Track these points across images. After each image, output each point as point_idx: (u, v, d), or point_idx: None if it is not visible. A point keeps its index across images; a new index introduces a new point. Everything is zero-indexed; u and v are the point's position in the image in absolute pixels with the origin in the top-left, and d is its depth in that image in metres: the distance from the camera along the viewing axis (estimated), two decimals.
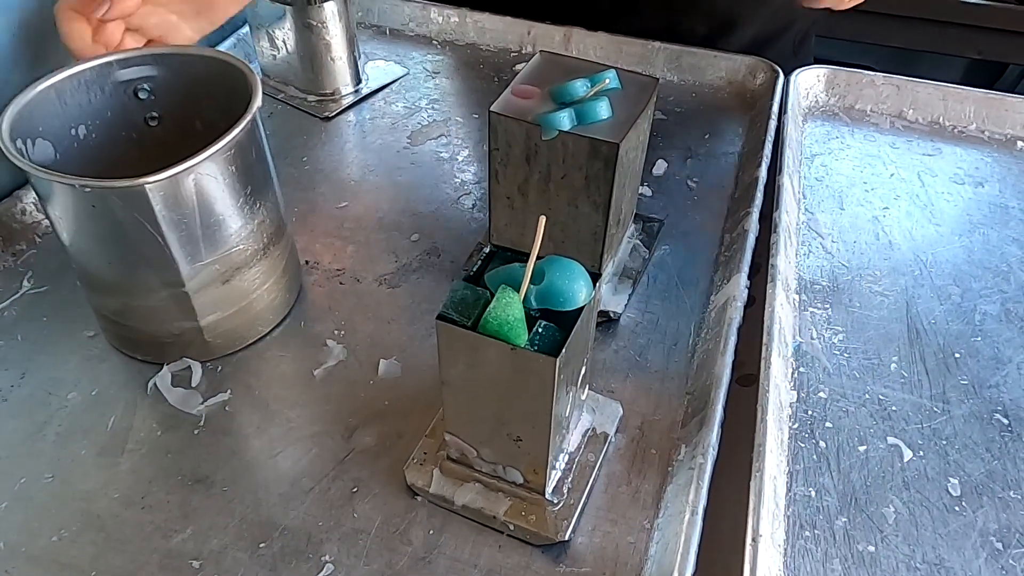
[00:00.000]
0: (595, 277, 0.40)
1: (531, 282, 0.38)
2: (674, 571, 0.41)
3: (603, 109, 0.49)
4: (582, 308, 0.39)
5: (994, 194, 0.69)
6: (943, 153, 0.73)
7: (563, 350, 0.37)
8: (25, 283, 0.60)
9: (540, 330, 0.38)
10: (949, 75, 1.86)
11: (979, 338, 0.56)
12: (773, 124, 0.70)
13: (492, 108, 0.50)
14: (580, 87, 0.50)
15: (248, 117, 0.47)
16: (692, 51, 0.80)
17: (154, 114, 0.57)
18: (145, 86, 0.55)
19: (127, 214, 0.45)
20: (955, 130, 0.75)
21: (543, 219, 0.36)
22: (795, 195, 0.67)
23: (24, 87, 0.49)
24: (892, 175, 0.70)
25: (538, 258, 0.39)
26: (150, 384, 0.53)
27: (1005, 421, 0.51)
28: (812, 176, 0.70)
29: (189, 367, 0.54)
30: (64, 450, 0.49)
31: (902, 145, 0.74)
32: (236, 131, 0.46)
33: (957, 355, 0.55)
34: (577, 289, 0.38)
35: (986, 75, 1.82)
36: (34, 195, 0.63)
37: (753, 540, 0.41)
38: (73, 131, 0.53)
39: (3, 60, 0.61)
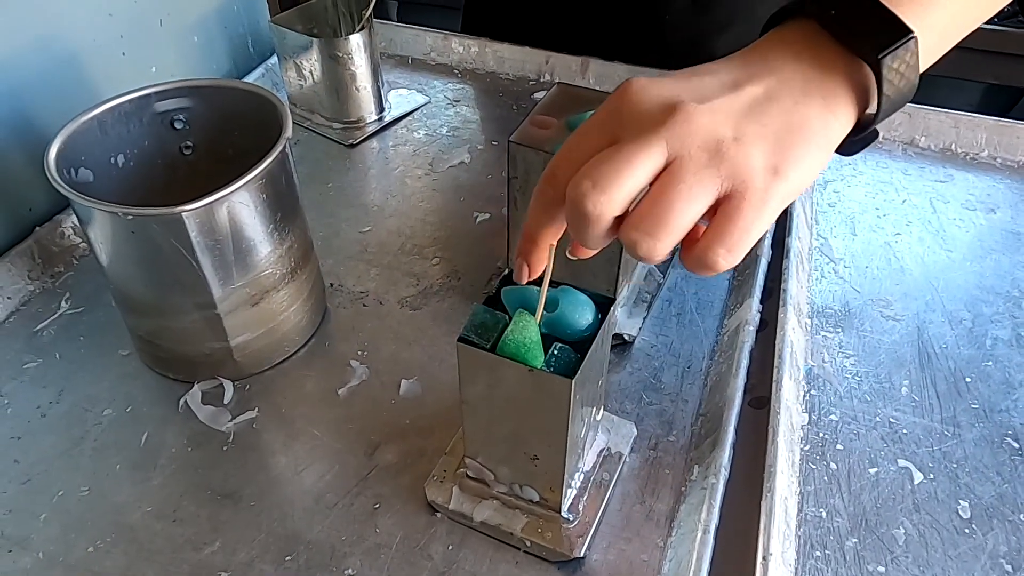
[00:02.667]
0: (609, 302, 0.42)
1: (546, 310, 0.40)
2: None
3: None
4: (597, 331, 0.40)
5: (1006, 220, 0.69)
6: (955, 180, 0.74)
7: (579, 371, 0.39)
8: (63, 304, 0.62)
9: (556, 352, 0.40)
10: (967, 100, 1.87)
11: (990, 363, 0.57)
12: None
13: (511, 138, 0.52)
14: None
15: (279, 147, 0.49)
16: None
17: (188, 143, 0.59)
18: (180, 117, 0.58)
19: (164, 239, 0.47)
20: (967, 157, 0.77)
21: (552, 246, 0.37)
22: (807, 221, 0.68)
23: (69, 119, 0.52)
24: (904, 201, 0.72)
25: (555, 284, 0.41)
26: (181, 402, 0.55)
27: (1016, 445, 0.52)
28: (824, 202, 0.71)
29: (219, 386, 0.56)
30: (99, 464, 0.51)
31: (914, 172, 0.75)
32: (268, 161, 0.48)
33: (968, 379, 0.56)
34: (584, 321, 0.41)
35: (1003, 100, 1.82)
36: (72, 220, 0.66)
37: (764, 558, 0.42)
38: (112, 159, 0.56)
39: (47, 92, 0.65)
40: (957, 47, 0.39)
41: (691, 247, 0.33)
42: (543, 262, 0.38)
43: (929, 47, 0.35)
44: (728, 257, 0.33)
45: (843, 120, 0.34)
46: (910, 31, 0.33)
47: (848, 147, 0.36)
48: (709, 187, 0.32)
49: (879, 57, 0.33)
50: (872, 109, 0.35)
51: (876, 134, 0.37)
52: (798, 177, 0.33)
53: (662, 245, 0.32)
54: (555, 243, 0.38)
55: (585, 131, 0.35)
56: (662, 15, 0.81)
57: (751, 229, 0.32)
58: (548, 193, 0.36)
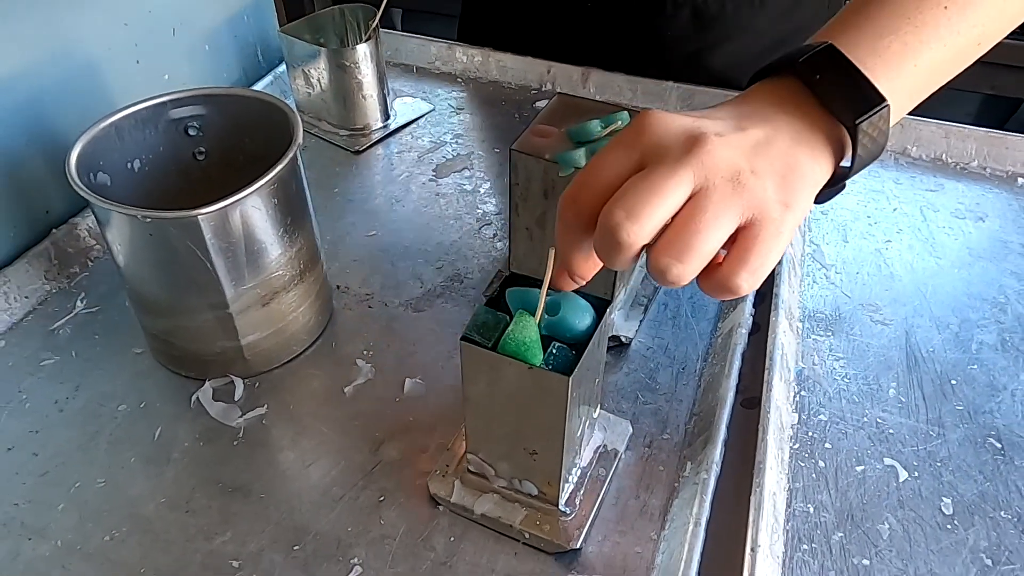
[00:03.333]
0: (605, 304, 0.44)
1: (547, 313, 0.42)
2: None
3: None
4: (592, 330, 0.42)
5: (994, 229, 0.71)
6: (945, 189, 0.76)
7: (575, 370, 0.41)
8: (79, 303, 0.64)
9: (554, 351, 0.42)
10: (964, 110, 1.89)
11: (975, 366, 0.59)
12: None
13: (513, 147, 0.54)
14: (595, 127, 0.54)
15: (290, 154, 0.52)
16: (704, 90, 0.84)
17: (202, 149, 0.61)
18: (194, 123, 0.60)
19: (180, 241, 0.49)
20: (957, 167, 0.79)
21: (552, 251, 0.39)
22: (800, 228, 0.70)
23: (87, 126, 0.54)
24: (895, 209, 0.74)
25: (555, 289, 0.43)
26: (193, 398, 0.57)
27: (998, 445, 0.53)
28: (817, 210, 0.73)
29: (229, 383, 0.58)
30: (114, 458, 0.53)
31: (905, 181, 0.77)
32: (280, 167, 0.51)
33: (954, 382, 0.58)
34: (583, 325, 0.43)
35: (1001, 110, 1.84)
36: (87, 222, 0.68)
37: (752, 550, 0.44)
38: (129, 164, 0.58)
39: (65, 99, 0.67)
40: None
41: (711, 273, 0.35)
42: (586, 278, 0.40)
43: (899, 107, 0.39)
44: (750, 280, 0.35)
45: (824, 169, 0.38)
46: (884, 100, 0.37)
47: (821, 196, 0.39)
48: (733, 215, 0.34)
49: (856, 123, 0.37)
50: (846, 162, 0.39)
51: (844, 186, 0.40)
52: (800, 212, 0.36)
53: (691, 270, 0.34)
54: (555, 248, 0.40)
55: (606, 158, 0.36)
56: (663, 32, 0.83)
57: (770, 255, 0.35)
58: (571, 218, 0.37)
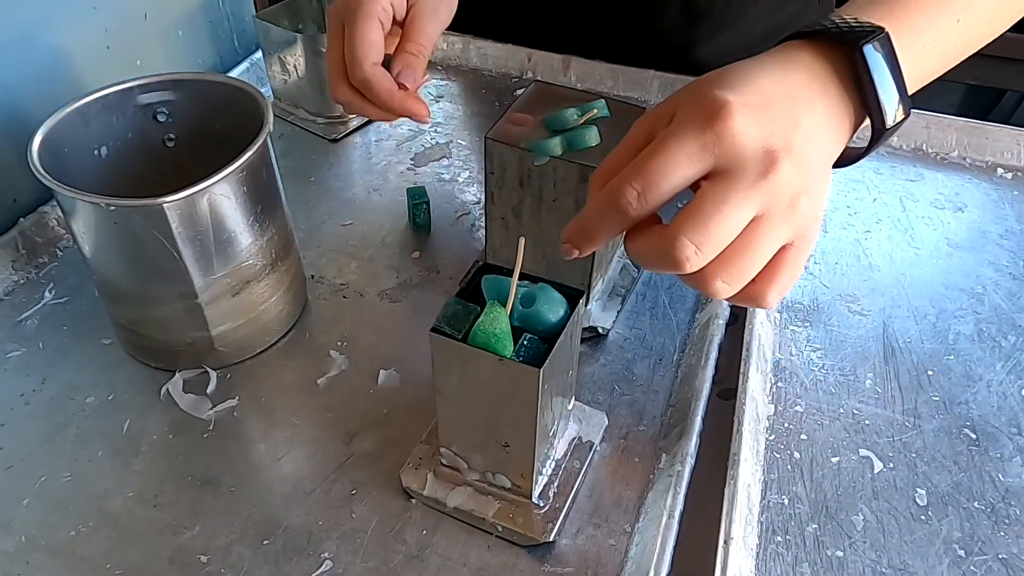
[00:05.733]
0: (579, 294, 0.43)
1: (522, 304, 0.42)
2: (651, 571, 0.44)
3: (592, 137, 0.52)
4: (566, 323, 0.42)
5: (973, 219, 0.71)
6: (925, 179, 0.76)
7: (547, 362, 0.40)
8: (47, 294, 0.63)
9: (525, 343, 0.41)
10: (948, 100, 1.89)
11: (952, 357, 0.59)
12: None
13: (488, 135, 0.53)
14: (571, 115, 0.53)
15: (260, 140, 0.51)
16: (685, 79, 0.84)
17: (171, 135, 0.60)
18: (163, 109, 0.59)
19: (146, 230, 0.48)
20: (937, 157, 0.78)
21: (523, 240, 0.39)
22: None
23: (52, 111, 0.53)
24: (875, 199, 0.73)
25: (532, 280, 0.42)
26: (163, 390, 0.56)
27: (973, 436, 0.53)
28: None
29: (200, 374, 0.57)
30: (82, 451, 0.52)
31: (885, 171, 0.77)
32: (248, 154, 0.50)
33: (930, 372, 0.58)
34: (557, 318, 0.42)
35: (984, 101, 1.85)
36: (56, 211, 0.67)
37: (725, 542, 0.44)
38: (96, 151, 0.57)
39: (32, 85, 0.65)
40: None
41: (744, 290, 0.35)
42: (598, 247, 0.38)
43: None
44: (779, 297, 0.36)
45: (839, 151, 0.38)
46: (911, 108, 0.38)
47: None
48: (783, 241, 0.35)
49: (887, 127, 0.37)
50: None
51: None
52: (823, 216, 0.37)
53: (735, 290, 0.35)
54: (525, 237, 0.40)
55: (677, 152, 0.34)
56: (653, 24, 0.82)
57: (799, 273, 0.36)
58: (624, 207, 0.35)
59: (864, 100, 0.37)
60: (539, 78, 0.88)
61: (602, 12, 0.84)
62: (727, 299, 0.36)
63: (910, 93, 0.40)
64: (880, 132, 0.37)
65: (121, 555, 0.47)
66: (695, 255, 0.33)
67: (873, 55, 0.36)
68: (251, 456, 0.53)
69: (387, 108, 0.52)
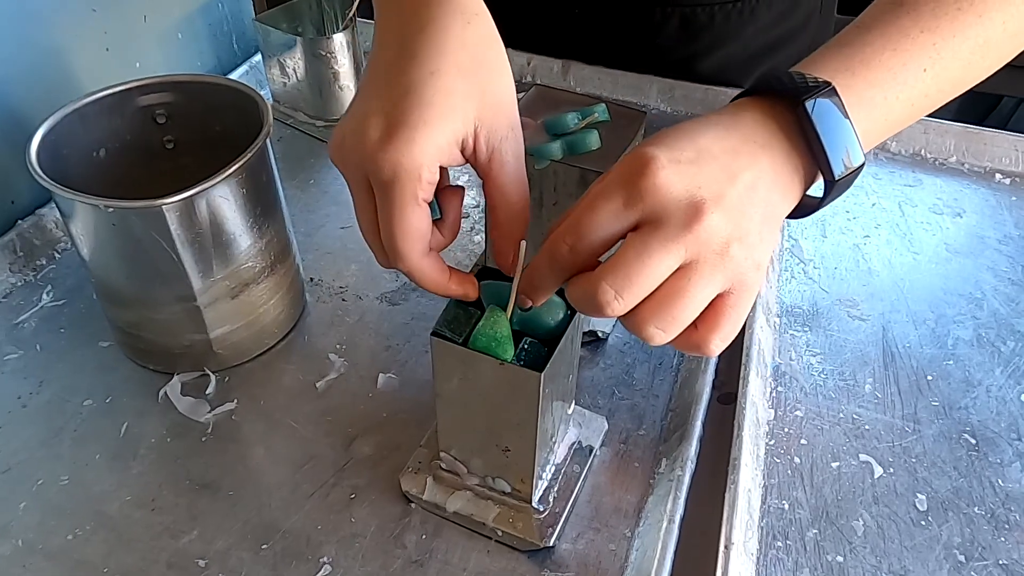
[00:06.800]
0: None
1: (520, 307, 0.41)
2: None
3: (593, 140, 0.52)
4: (567, 328, 0.42)
5: (971, 224, 0.71)
6: (923, 184, 0.76)
7: (548, 365, 0.40)
8: (44, 296, 0.63)
9: (526, 347, 0.41)
10: (946, 106, 1.90)
11: (951, 362, 0.59)
12: None
13: None
14: (571, 119, 0.53)
15: (259, 142, 0.50)
16: (683, 84, 0.84)
17: (170, 137, 0.60)
18: (162, 111, 0.58)
19: (145, 232, 0.48)
20: (936, 162, 0.79)
21: (523, 244, 0.39)
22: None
23: (51, 112, 0.53)
24: (874, 205, 0.73)
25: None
26: (161, 393, 0.56)
27: (973, 441, 0.53)
28: None
29: (198, 377, 0.57)
30: (79, 454, 0.52)
31: (884, 176, 0.77)
32: (248, 155, 0.49)
33: (929, 377, 0.58)
34: (556, 322, 0.42)
35: (981, 107, 1.85)
36: (54, 213, 0.67)
37: (726, 547, 0.44)
38: (94, 153, 0.57)
39: (31, 87, 0.65)
40: None
41: (687, 336, 0.36)
42: (548, 296, 0.40)
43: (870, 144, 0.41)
44: (723, 344, 0.36)
45: (791, 204, 0.39)
46: (864, 161, 0.38)
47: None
48: (716, 287, 0.35)
49: (837, 179, 0.37)
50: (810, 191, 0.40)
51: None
52: (766, 263, 0.37)
53: (671, 336, 0.35)
54: (526, 240, 0.39)
55: (603, 210, 0.35)
56: (652, 39, 0.82)
57: (742, 318, 0.37)
58: (561, 261, 0.36)
59: (812, 154, 0.38)
60: (539, 82, 0.88)
61: (601, 27, 0.84)
62: (677, 347, 0.37)
63: (879, 141, 0.41)
64: (831, 184, 0.38)
65: (118, 559, 0.47)
66: (615, 300, 0.34)
67: (819, 110, 0.37)
68: (250, 460, 0.52)
69: (437, 293, 0.42)
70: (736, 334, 0.37)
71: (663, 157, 0.35)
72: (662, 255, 0.34)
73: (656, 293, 0.35)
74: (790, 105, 0.37)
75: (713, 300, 0.36)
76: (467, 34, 0.39)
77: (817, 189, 0.40)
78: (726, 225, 0.35)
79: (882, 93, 0.39)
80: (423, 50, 0.38)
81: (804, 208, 0.40)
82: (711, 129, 0.37)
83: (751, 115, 0.38)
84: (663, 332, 0.35)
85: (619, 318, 0.36)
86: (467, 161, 0.40)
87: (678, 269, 0.35)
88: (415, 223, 0.38)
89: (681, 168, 0.35)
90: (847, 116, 0.37)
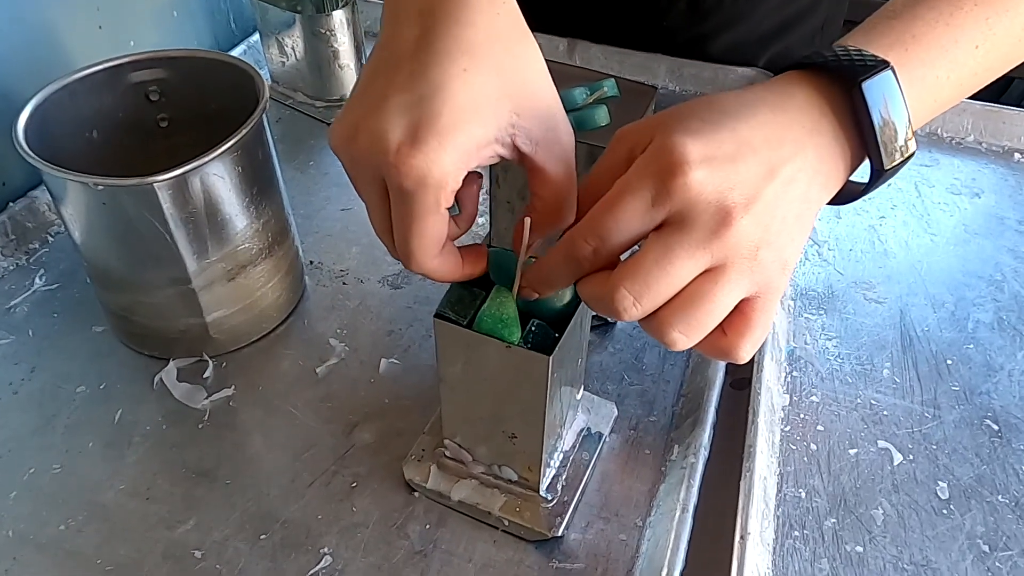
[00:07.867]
0: None
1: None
2: (664, 567, 0.42)
3: (602, 116, 0.50)
4: (576, 310, 0.40)
5: (990, 205, 0.69)
6: (940, 164, 0.74)
7: (556, 349, 0.38)
8: (37, 280, 0.61)
9: (534, 329, 0.39)
10: None
11: (971, 345, 0.57)
12: None
13: None
14: (579, 95, 0.51)
15: (255, 119, 0.49)
16: (693, 63, 0.81)
17: (164, 116, 0.58)
18: (156, 88, 0.57)
19: (137, 211, 0.46)
20: (953, 142, 0.76)
21: (528, 221, 0.37)
22: None
23: (38, 89, 0.51)
24: (889, 185, 0.71)
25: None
26: (156, 379, 0.54)
27: (995, 427, 0.52)
28: None
29: (195, 363, 0.55)
30: (72, 442, 0.51)
31: None
32: (243, 132, 0.48)
33: (949, 362, 0.56)
34: (564, 303, 0.40)
35: (993, 88, 1.83)
36: (47, 196, 0.65)
37: (741, 537, 0.42)
38: (87, 134, 0.55)
39: (22, 65, 0.63)
40: None
41: (714, 341, 0.34)
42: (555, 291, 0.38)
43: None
44: (753, 349, 0.34)
45: (831, 193, 0.36)
46: (914, 149, 0.35)
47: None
48: (742, 292, 0.33)
49: (886, 168, 0.34)
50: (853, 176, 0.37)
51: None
52: (795, 263, 0.35)
53: (694, 341, 0.33)
54: (530, 218, 0.38)
55: (630, 207, 0.32)
56: (660, 20, 0.80)
57: (770, 323, 0.35)
58: (581, 261, 0.34)
59: (863, 139, 0.35)
60: (546, 59, 0.86)
61: (609, 9, 0.81)
62: (703, 353, 0.35)
63: (922, 124, 0.38)
64: (879, 173, 0.35)
65: (112, 550, 0.45)
66: (633, 306, 0.32)
67: (874, 92, 0.34)
68: (248, 447, 0.51)
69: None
70: (763, 339, 0.35)
71: (696, 153, 0.31)
72: (685, 261, 0.32)
73: (679, 296, 0.32)
74: (845, 86, 0.34)
75: (739, 304, 0.33)
76: (498, 25, 0.35)
77: (859, 174, 0.37)
78: (756, 230, 0.32)
79: (933, 72, 0.36)
80: (452, 42, 0.34)
81: (845, 195, 0.37)
82: (757, 112, 0.34)
83: (802, 94, 0.35)
84: (685, 337, 0.33)
85: (638, 321, 0.34)
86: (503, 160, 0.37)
87: (703, 272, 0.32)
88: (435, 232, 0.35)
89: (715, 166, 0.32)
90: (904, 100, 0.34)
